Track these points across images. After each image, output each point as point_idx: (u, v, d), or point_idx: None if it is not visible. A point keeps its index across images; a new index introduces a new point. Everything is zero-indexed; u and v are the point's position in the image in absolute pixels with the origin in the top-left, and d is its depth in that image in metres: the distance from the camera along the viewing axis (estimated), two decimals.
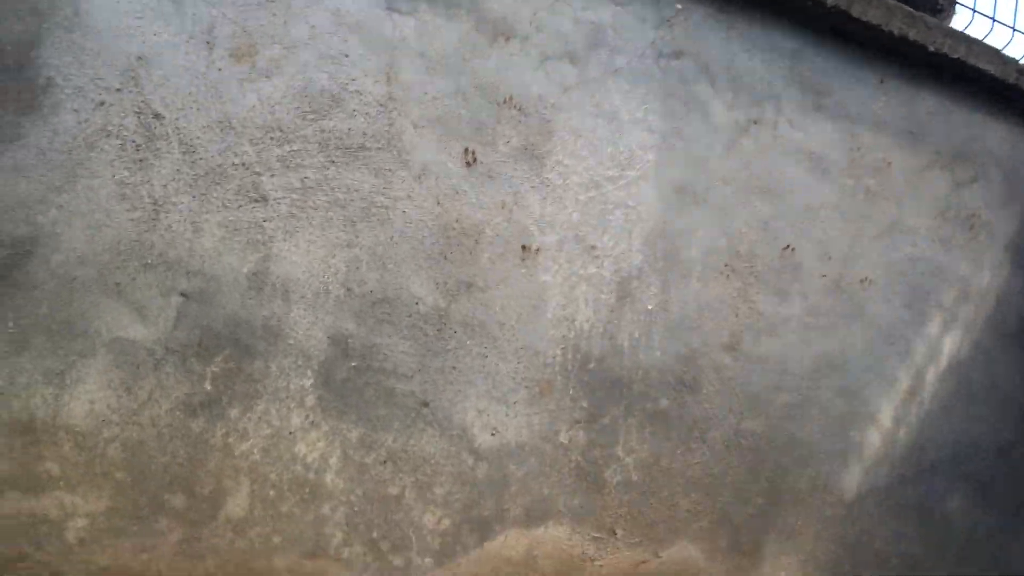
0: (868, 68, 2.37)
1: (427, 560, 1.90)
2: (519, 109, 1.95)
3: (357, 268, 1.80)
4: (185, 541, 1.72)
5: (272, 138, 1.75)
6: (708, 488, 2.14)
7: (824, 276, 2.30)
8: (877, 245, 2.39)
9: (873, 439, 2.40)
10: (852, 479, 2.34)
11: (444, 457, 1.91)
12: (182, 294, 1.68)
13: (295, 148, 1.77)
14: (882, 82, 2.41)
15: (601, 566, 2.05)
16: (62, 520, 1.64)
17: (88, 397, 1.64)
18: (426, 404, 1.89)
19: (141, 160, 1.66)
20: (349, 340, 1.82)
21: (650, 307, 2.07)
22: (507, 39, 1.94)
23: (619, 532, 2.05)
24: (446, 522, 1.91)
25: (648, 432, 2.08)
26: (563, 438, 2.01)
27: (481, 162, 1.92)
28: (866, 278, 2.37)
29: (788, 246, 2.24)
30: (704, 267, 2.15)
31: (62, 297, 1.61)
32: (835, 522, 2.34)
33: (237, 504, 1.75)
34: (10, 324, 1.60)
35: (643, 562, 2.08)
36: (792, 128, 2.25)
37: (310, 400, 1.80)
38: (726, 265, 2.16)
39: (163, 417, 1.69)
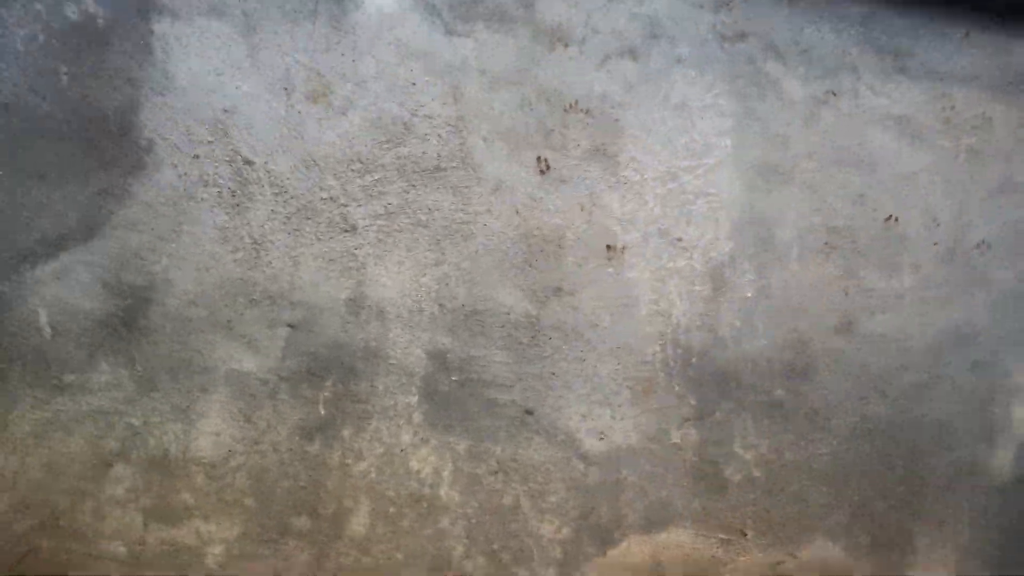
0: (949, 23, 2.28)
1: (550, 570, 1.88)
2: (585, 112, 2.00)
3: (446, 284, 1.87)
4: (314, 561, 1.78)
5: (353, 170, 1.87)
6: (839, 480, 2.02)
7: (935, 244, 2.18)
8: (989, 206, 2.24)
9: (1021, 414, 2.20)
10: (1003, 459, 2.15)
11: (554, 464, 1.91)
12: (287, 325, 1.80)
13: (376, 177, 1.88)
14: (967, 35, 2.31)
15: (734, 569, 1.95)
16: (200, 547, 1.74)
17: (213, 429, 1.76)
18: (530, 412, 1.90)
19: (237, 204, 1.81)
20: (447, 355, 1.88)
21: (749, 295, 2.03)
22: (565, 45, 2.01)
23: (748, 533, 1.96)
24: (565, 531, 1.89)
25: (765, 425, 2.01)
26: (674, 438, 1.96)
27: (554, 168, 1.97)
28: (982, 242, 2.22)
29: (891, 216, 2.15)
30: (801, 248, 2.08)
31: (179, 337, 1.76)
32: (989, 507, 2.14)
33: (359, 522, 1.81)
34: (138, 367, 1.75)
35: (779, 563, 1.97)
36: (874, 94, 2.18)
37: (417, 416, 1.85)
38: (825, 244, 2.09)
39: (283, 443, 1.78)
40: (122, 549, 1.73)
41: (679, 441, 1.97)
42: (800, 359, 2.06)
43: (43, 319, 1.70)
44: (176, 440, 1.75)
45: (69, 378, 1.73)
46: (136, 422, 1.75)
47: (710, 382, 2.01)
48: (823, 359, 2.08)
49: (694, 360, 2.01)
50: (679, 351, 2.01)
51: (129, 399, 1.75)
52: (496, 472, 1.89)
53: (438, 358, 1.88)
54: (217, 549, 1.76)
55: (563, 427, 1.93)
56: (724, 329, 2.03)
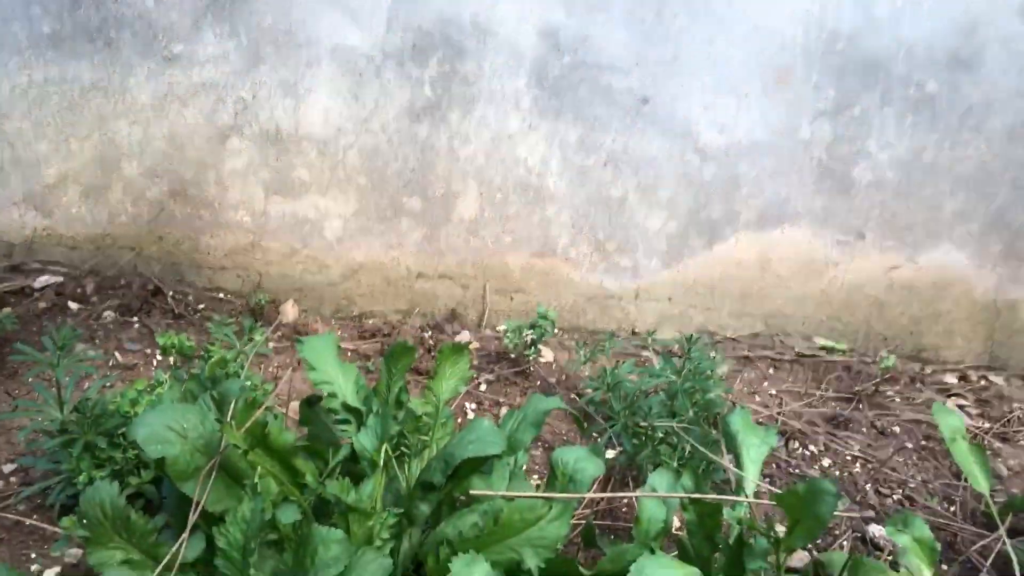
0: None
1: (654, 262, 1.97)
2: None
3: None
4: (426, 240, 1.92)
5: None
6: (981, 186, 1.94)
7: None
8: None
9: None
10: None
11: (667, 158, 1.89)
12: None
13: None
14: None
15: (846, 271, 1.99)
16: (319, 220, 1.90)
17: (322, 106, 1.81)
18: (646, 101, 1.84)
19: None
20: (560, 32, 1.79)
21: None
22: None
23: (868, 235, 1.96)
24: (672, 225, 1.93)
25: (909, 123, 1.88)
26: (804, 133, 1.88)
27: None
28: None
29: None
30: None
31: (282, 6, 1.72)
32: None
33: (467, 206, 1.90)
34: (243, 39, 1.75)
35: (895, 267, 1.98)
36: None
37: (525, 102, 1.83)
38: None
39: (391, 123, 1.83)
40: (247, 219, 1.90)
41: (809, 136, 1.90)
42: (966, 46, 1.86)
43: None
44: (286, 115, 1.83)
45: (177, 48, 1.77)
46: (246, 95, 1.81)
47: (854, 71, 1.86)
48: (993, 48, 1.87)
49: (840, 46, 1.84)
50: (824, 34, 1.84)
51: (237, 72, 1.80)
52: (606, 164, 1.90)
53: (550, 37, 1.80)
54: (335, 223, 1.92)
55: (681, 118, 1.88)
56: (882, 8, 1.82)
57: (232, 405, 0.93)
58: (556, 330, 2.03)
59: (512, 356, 1.89)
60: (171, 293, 1.93)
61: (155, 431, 0.87)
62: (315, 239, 1.98)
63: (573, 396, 1.78)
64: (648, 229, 2.02)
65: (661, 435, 1.41)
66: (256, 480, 0.87)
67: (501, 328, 1.98)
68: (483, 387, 1.79)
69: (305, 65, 1.85)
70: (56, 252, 1.98)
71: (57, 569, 1.14)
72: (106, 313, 1.86)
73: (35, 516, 1.22)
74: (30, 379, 1.52)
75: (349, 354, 1.85)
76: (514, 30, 1.85)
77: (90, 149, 1.91)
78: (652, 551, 0.97)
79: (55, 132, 1.89)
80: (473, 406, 1.72)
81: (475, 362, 1.88)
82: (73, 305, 1.87)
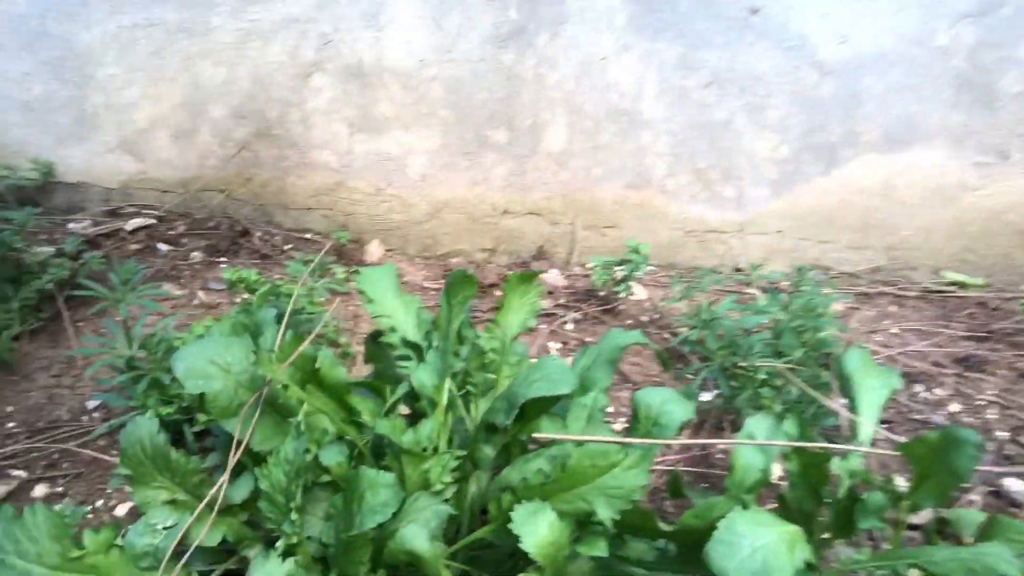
0: None
1: (762, 191, 1.82)
2: None
3: None
4: (512, 174, 1.85)
5: None
6: None
7: None
8: None
9: None
10: None
11: (778, 75, 1.72)
12: None
13: None
14: None
15: (985, 196, 1.78)
16: (403, 157, 1.86)
17: (404, 37, 1.75)
18: (755, 11, 1.67)
19: None
20: None
21: None
22: None
23: (1014, 155, 1.72)
24: (784, 149, 1.78)
25: None
26: (942, 39, 1.67)
27: None
28: None
29: None
30: None
31: None
32: None
33: (556, 136, 1.81)
34: None
35: None
36: None
37: (620, 19, 1.70)
38: None
39: (475, 51, 1.74)
40: (332, 158, 1.88)
41: (947, 43, 1.68)
42: None
43: None
44: (368, 48, 1.77)
45: None
46: (327, 29, 1.77)
47: None
48: None
49: None
50: None
51: (318, 5, 1.76)
52: (709, 84, 1.76)
53: None
54: (420, 160, 1.87)
55: (796, 29, 1.70)
56: None
57: (277, 336, 0.90)
58: (650, 266, 1.93)
59: (601, 294, 1.81)
60: (258, 234, 1.96)
61: (195, 365, 0.84)
62: (399, 177, 1.94)
63: (666, 336, 1.69)
64: (755, 154, 1.87)
65: (763, 377, 1.31)
66: (302, 417, 0.84)
67: (590, 265, 1.89)
68: (569, 326, 1.74)
69: None
70: (149, 196, 2.04)
71: (129, 505, 1.20)
72: (194, 254, 1.91)
73: (112, 452, 1.27)
74: (109, 318, 1.58)
75: (432, 293, 1.82)
76: None
77: (177, 92, 1.92)
78: (745, 505, 0.89)
79: (144, 77, 1.91)
80: (558, 345, 1.67)
81: (562, 300, 1.82)
82: (163, 247, 1.93)
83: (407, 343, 0.94)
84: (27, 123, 2.02)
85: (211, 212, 2.01)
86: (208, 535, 0.73)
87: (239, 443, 0.81)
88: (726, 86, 1.81)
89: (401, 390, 0.91)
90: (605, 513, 0.80)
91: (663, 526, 0.88)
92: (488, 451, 0.90)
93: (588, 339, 1.69)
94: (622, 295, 1.79)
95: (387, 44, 1.82)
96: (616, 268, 1.76)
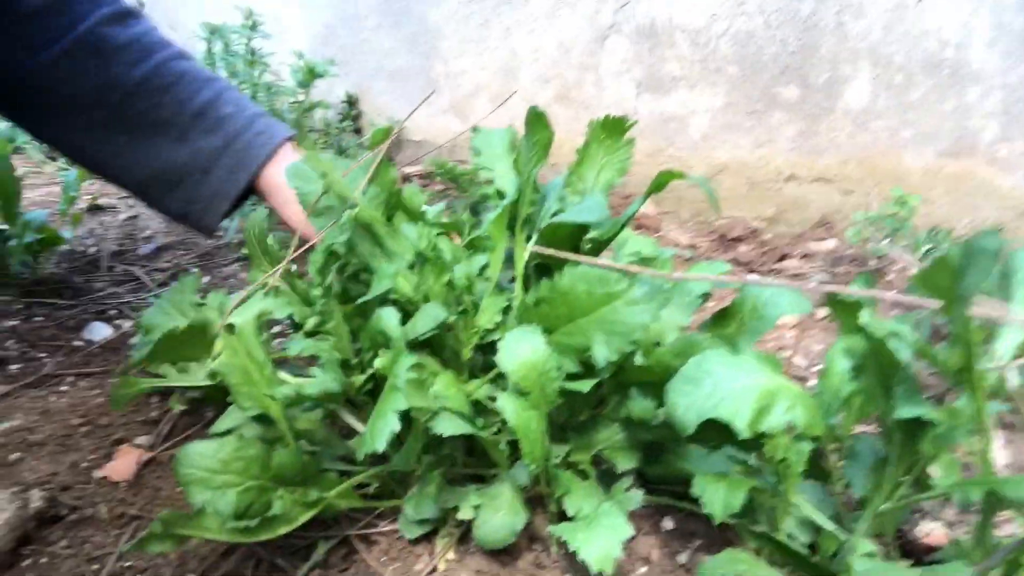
0: None
1: None
2: None
3: None
4: (801, 136, 1.74)
5: None
6: None
7: None
8: None
9: None
10: None
11: None
12: None
13: None
14: None
15: None
16: (685, 117, 1.88)
17: None
18: None
19: None
20: None
21: None
22: None
23: None
24: None
25: None
26: None
27: None
28: None
29: None
30: None
31: None
32: None
33: (857, 93, 1.66)
34: None
35: None
36: None
37: None
38: None
39: (770, 2, 1.67)
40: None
41: None
42: None
43: None
44: (663, 6, 1.84)
45: None
46: None
47: None
48: None
49: None
50: None
51: None
52: None
53: None
54: (701, 119, 1.87)
55: None
56: None
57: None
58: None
59: (871, 262, 1.59)
60: None
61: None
62: (680, 137, 1.96)
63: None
64: None
65: None
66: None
67: (860, 231, 1.65)
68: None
69: None
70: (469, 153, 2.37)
71: None
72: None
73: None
74: None
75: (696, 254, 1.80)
76: None
77: (497, 61, 2.22)
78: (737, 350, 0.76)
79: (473, 47, 2.25)
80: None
81: (819, 263, 1.64)
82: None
83: (499, 194, 0.95)
84: (389, 90, 2.54)
85: None
86: (279, 309, 0.88)
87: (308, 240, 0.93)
88: None
89: (474, 229, 0.92)
90: (601, 352, 0.74)
91: (638, 360, 0.80)
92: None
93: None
94: (884, 255, 1.55)
95: (680, 1, 1.86)
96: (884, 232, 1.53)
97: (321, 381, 0.80)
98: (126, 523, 0.89)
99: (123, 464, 0.95)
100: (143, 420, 1.09)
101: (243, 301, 0.84)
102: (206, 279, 1.65)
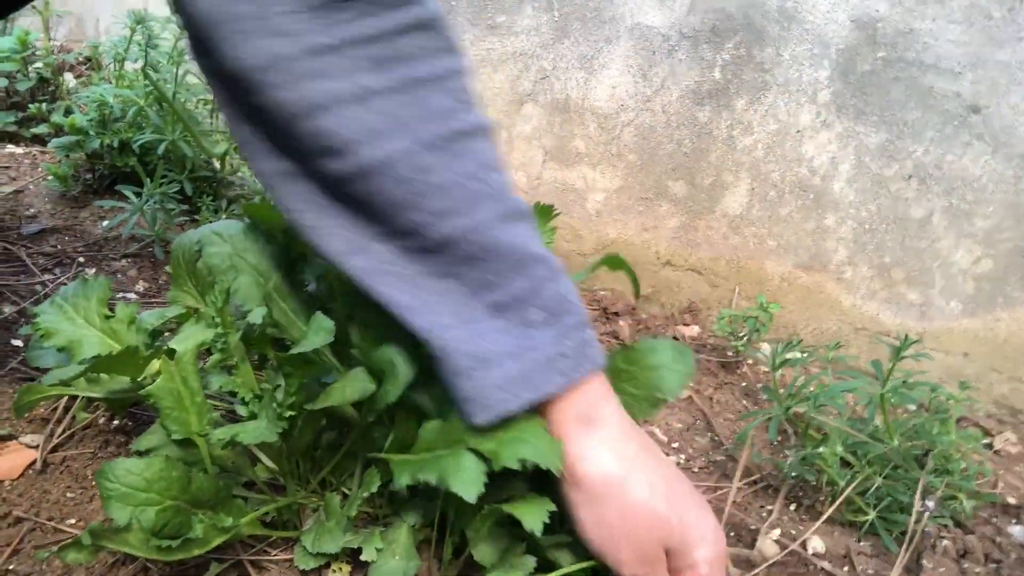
0: None
1: (953, 304, 1.75)
2: None
3: None
4: (682, 228, 1.97)
5: None
6: None
7: None
8: None
9: None
10: None
11: (995, 182, 1.68)
12: None
13: None
14: None
15: None
16: (584, 191, 2.08)
17: (611, 82, 1.99)
18: (976, 110, 1.66)
19: None
20: (878, 24, 1.72)
21: None
22: None
23: None
24: (986, 264, 1.70)
25: None
26: None
27: None
28: None
29: None
30: None
31: None
32: None
33: (735, 199, 1.91)
34: (556, 13, 2.01)
35: None
36: None
37: (824, 96, 1.79)
38: None
39: (673, 104, 1.93)
40: (523, 180, 2.16)
41: None
42: None
43: None
44: (577, 87, 2.04)
45: (500, 19, 2.10)
46: (547, 66, 2.08)
47: None
48: None
49: None
50: None
51: (544, 44, 2.07)
52: (910, 177, 1.76)
53: (866, 28, 1.74)
54: (598, 196, 2.08)
55: (1022, 135, 1.64)
56: None
57: None
58: (803, 352, 1.90)
59: (728, 353, 1.83)
60: None
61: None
62: (577, 209, 2.16)
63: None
64: (952, 264, 1.78)
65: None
66: None
67: (718, 319, 1.91)
68: None
69: (604, 41, 2.05)
70: None
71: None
72: None
73: None
74: None
75: None
76: (824, 18, 1.81)
77: None
78: None
79: None
80: None
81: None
82: None
83: None
84: None
85: None
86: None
87: None
88: (929, 183, 1.78)
89: None
90: None
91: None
92: None
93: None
94: (742, 351, 1.80)
95: (594, 86, 2.08)
96: (743, 326, 1.79)
97: (256, 430, 0.84)
98: (11, 524, 0.90)
99: (9, 462, 0.96)
100: (29, 418, 1.09)
101: (170, 321, 0.89)
102: (91, 270, 1.64)
